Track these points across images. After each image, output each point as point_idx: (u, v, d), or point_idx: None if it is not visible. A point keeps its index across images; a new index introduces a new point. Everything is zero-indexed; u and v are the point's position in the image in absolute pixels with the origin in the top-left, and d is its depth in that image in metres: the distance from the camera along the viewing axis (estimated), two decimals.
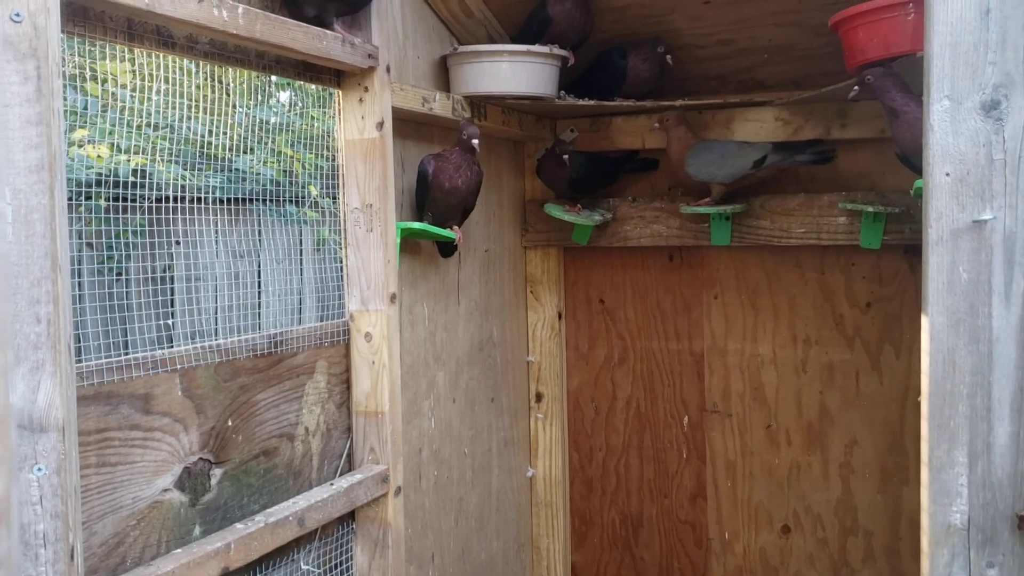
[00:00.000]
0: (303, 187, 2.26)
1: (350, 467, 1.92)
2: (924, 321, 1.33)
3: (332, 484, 1.80)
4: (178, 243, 1.76)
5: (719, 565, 2.82)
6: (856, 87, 1.98)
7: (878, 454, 2.59)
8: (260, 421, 1.68)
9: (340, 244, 2.01)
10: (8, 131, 1.09)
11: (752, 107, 2.56)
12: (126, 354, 1.42)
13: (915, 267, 2.50)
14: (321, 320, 1.92)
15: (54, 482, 1.12)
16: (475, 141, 2.14)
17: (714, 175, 2.43)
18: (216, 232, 1.89)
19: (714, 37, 2.46)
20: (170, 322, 1.64)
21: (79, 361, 1.29)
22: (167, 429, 1.47)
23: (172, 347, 1.53)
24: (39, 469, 1.10)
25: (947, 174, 1.30)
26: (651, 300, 2.85)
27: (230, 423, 1.60)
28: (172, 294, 1.74)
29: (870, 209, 2.34)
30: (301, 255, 2.29)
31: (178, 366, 1.49)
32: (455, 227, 2.24)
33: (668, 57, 2.45)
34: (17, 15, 1.08)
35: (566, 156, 2.52)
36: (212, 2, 1.46)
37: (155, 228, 1.69)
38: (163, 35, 1.48)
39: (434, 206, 2.18)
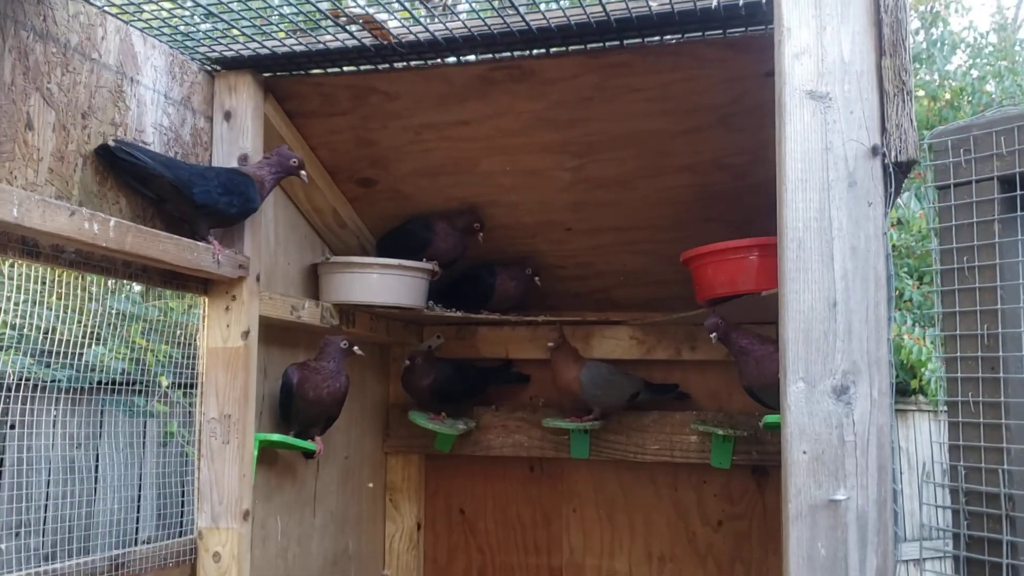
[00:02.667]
0: (154, 378, 2.16)
1: None
2: None
3: None
4: (12, 427, 1.65)
5: None
6: (713, 336, 2.09)
7: None
8: None
9: (188, 440, 1.93)
10: None
11: (609, 325, 2.69)
12: None
13: (763, 487, 2.61)
14: (160, 518, 1.81)
15: None
16: (356, 348, 2.19)
17: (599, 399, 2.52)
18: (54, 419, 1.78)
19: (574, 259, 2.61)
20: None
21: None
22: None
23: None
24: None
25: (804, 452, 1.37)
26: (511, 512, 2.82)
27: None
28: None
29: (720, 432, 2.45)
30: (144, 448, 2.16)
31: None
32: (317, 437, 2.19)
33: (536, 278, 2.58)
34: None
35: (418, 360, 2.56)
36: (83, 215, 1.45)
37: None
38: (28, 244, 1.44)
39: (297, 416, 2.14)
